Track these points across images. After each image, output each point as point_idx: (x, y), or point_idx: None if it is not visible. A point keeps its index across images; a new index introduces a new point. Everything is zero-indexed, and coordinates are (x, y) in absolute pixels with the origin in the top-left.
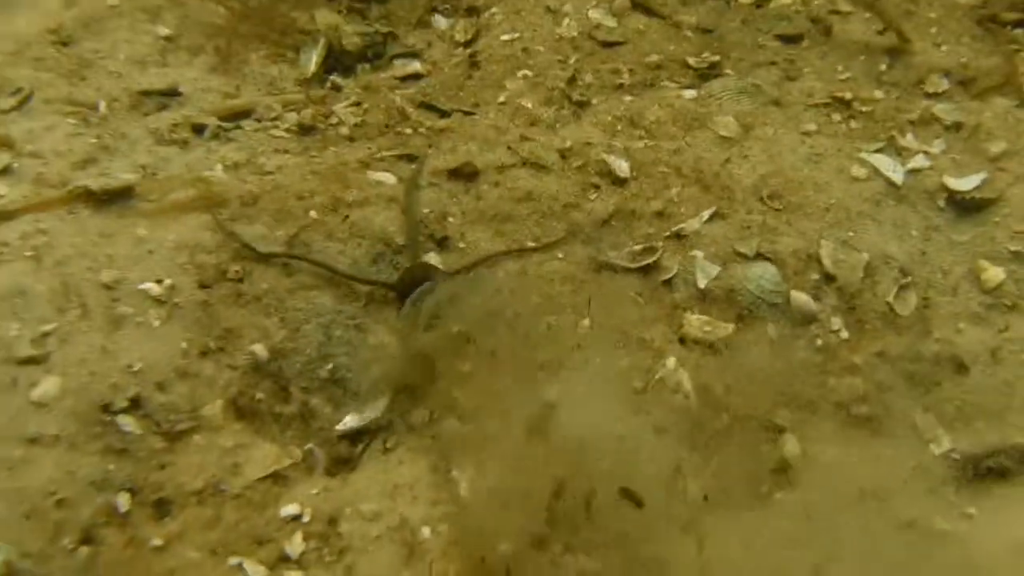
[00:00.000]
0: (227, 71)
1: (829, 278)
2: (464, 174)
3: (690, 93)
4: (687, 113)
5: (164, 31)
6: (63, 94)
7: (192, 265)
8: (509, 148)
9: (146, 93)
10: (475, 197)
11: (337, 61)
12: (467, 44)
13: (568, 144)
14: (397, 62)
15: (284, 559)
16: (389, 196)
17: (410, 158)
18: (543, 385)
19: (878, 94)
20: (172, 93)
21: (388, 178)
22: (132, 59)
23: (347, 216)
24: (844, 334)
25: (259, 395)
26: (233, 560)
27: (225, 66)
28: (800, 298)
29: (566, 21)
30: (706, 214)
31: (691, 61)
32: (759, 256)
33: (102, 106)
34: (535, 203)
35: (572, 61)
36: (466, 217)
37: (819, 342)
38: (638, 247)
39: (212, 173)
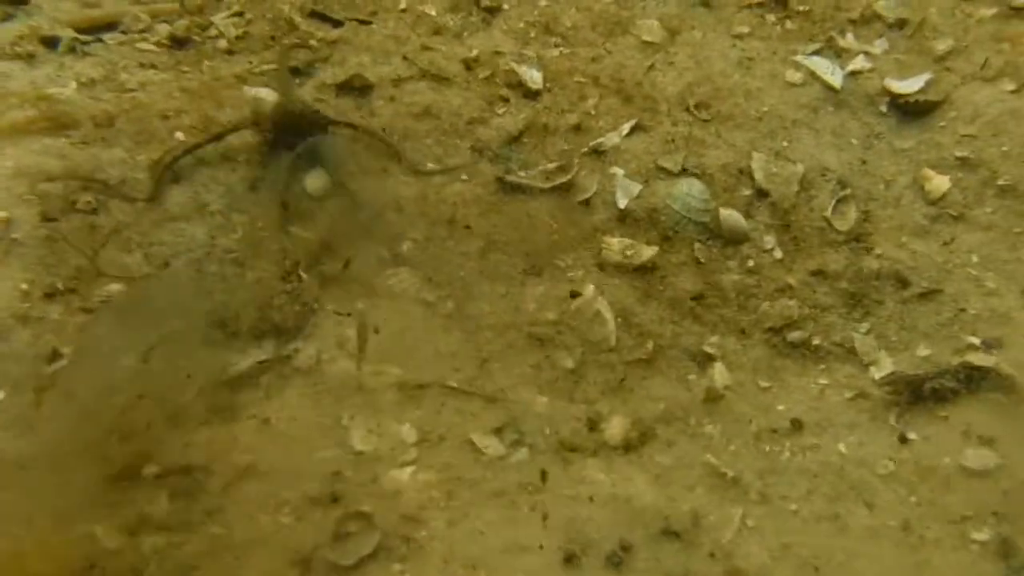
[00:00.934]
0: None
1: (761, 193)
2: (355, 88)
3: None
4: (607, 17)
5: None
6: None
7: (34, 195)
8: (406, 59)
9: None
10: (367, 113)
11: None
12: None
13: (474, 54)
14: None
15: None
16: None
17: (295, 72)
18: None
19: None
20: (19, 1)
21: (268, 94)
22: None
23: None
24: (778, 253)
25: None
26: None
27: None
28: (730, 216)
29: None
30: (626, 127)
31: None
32: (684, 172)
33: None
34: (435, 119)
35: None
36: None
37: (751, 263)
38: (552, 165)
39: (61, 90)
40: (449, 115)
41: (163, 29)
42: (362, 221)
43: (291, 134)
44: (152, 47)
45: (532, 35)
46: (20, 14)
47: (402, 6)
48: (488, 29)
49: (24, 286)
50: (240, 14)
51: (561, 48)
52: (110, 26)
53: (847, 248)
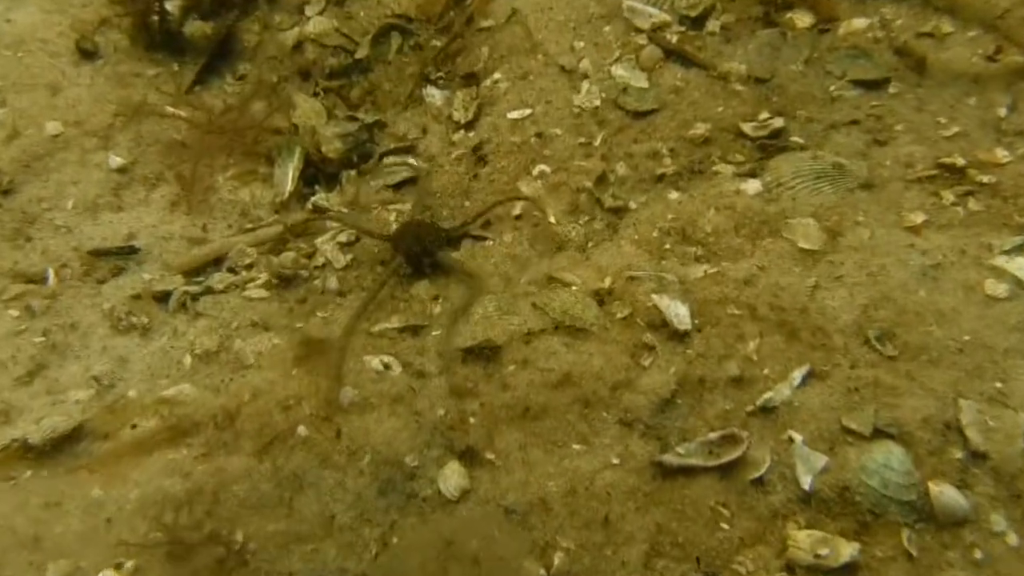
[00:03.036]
0: (191, 204)
1: (977, 455)
2: (483, 354)
3: (752, 186)
4: (752, 215)
5: (117, 160)
6: (7, 265)
7: (160, 528)
8: (535, 306)
9: (99, 253)
10: (500, 385)
11: (318, 170)
12: (468, 125)
13: (607, 283)
14: (389, 160)
15: None
16: (394, 395)
17: (415, 330)
18: None
19: (1002, 154)
20: (129, 251)
21: (393, 364)
22: (82, 204)
23: (341, 430)
24: (1012, 539)
25: None
26: None
27: (189, 198)
28: (942, 492)
29: (585, 86)
30: (798, 374)
31: (747, 129)
32: (877, 433)
33: (51, 277)
34: (575, 388)
35: (598, 143)
36: (490, 416)
37: (978, 554)
38: (715, 435)
39: (178, 390)
40: (591, 380)
41: (268, 262)
42: None
43: None
44: (260, 291)
45: (667, 245)
46: (131, 264)
47: (516, 211)
48: (615, 238)
49: None
50: (345, 242)
51: (705, 264)
52: (217, 262)
53: None
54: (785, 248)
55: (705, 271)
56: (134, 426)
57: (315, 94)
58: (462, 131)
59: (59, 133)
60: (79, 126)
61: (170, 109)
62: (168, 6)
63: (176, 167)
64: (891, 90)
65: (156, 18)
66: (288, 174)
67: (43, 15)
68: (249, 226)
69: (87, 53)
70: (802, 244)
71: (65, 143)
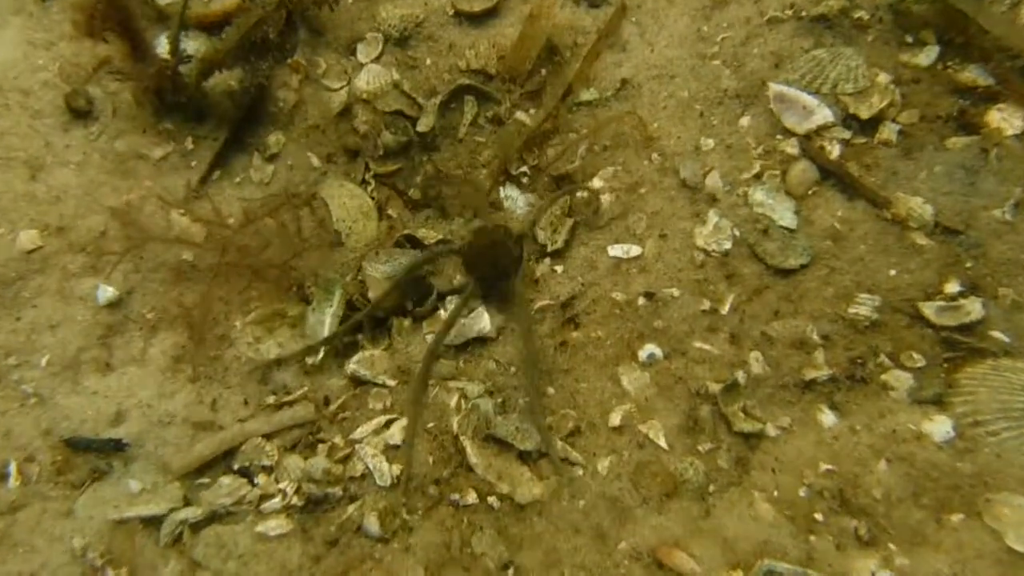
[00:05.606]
0: (198, 365)
1: None
2: None
3: (939, 428)
4: (938, 475)
5: (108, 292)
6: None
7: None
8: None
9: (77, 445)
10: None
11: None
12: (556, 254)
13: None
14: (452, 304)
15: None
16: None
17: None
18: None
19: None
20: (114, 447)
21: None
22: (60, 360)
23: None
24: None
25: None
26: None
27: (196, 356)
28: None
29: (712, 216)
30: None
31: (928, 312)
32: None
33: (12, 474)
34: None
35: (727, 311)
36: None
37: None
38: None
39: None
40: None
41: (293, 466)
42: None
43: None
44: (280, 520)
45: (819, 513)
46: (116, 463)
47: (615, 421)
48: (746, 483)
49: None
50: (388, 448)
51: (872, 554)
52: (228, 455)
53: None
54: (986, 543)
55: (876, 565)
56: None
57: (363, 182)
58: (548, 260)
59: (36, 248)
60: (62, 235)
61: (176, 216)
62: (184, 62)
63: (183, 302)
64: None
65: (167, 84)
66: (325, 323)
67: (26, 49)
68: (271, 400)
69: (79, 113)
70: (1012, 543)
71: (43, 263)
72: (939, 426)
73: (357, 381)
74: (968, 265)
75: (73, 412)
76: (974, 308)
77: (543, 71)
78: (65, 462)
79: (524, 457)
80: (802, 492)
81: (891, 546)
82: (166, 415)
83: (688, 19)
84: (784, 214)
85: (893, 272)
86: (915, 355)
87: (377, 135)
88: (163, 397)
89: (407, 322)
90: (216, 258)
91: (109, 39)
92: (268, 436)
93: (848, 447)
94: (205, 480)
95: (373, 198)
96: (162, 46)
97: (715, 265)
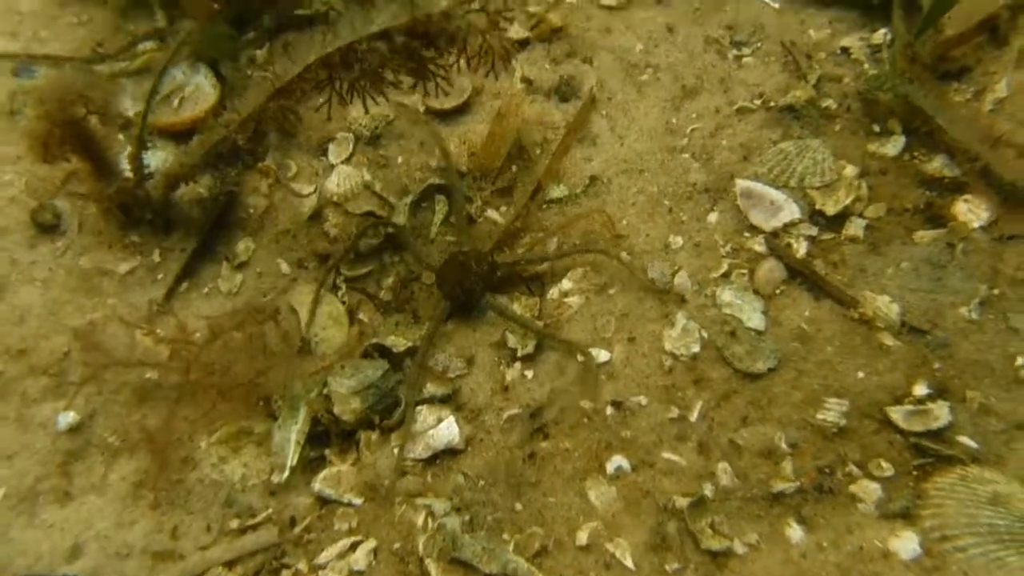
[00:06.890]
0: (159, 490)
1: None
2: None
3: (906, 545)
4: None
5: (69, 418)
6: None
7: None
8: None
9: None
10: None
11: (327, 428)
12: (527, 359)
13: None
14: (421, 415)
15: None
16: None
17: None
18: None
19: None
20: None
21: None
22: (17, 492)
23: None
24: None
25: None
26: None
27: (157, 481)
28: None
29: (680, 319)
30: None
31: (896, 416)
32: None
33: None
34: None
35: (695, 418)
36: None
37: None
38: None
39: None
40: None
41: None
42: None
43: None
44: None
45: None
46: None
47: (582, 539)
48: None
49: None
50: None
51: None
52: None
53: None
54: None
55: None
56: None
57: (334, 287)
58: (518, 365)
59: None
60: (23, 358)
61: (140, 337)
62: (147, 179)
63: (145, 425)
64: None
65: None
66: (291, 442)
67: None
68: (235, 525)
69: (46, 227)
70: None
71: (2, 388)
72: (906, 543)
73: (323, 500)
74: (936, 366)
75: (28, 547)
76: (942, 413)
77: (514, 167)
78: None
79: None
80: None
81: None
82: (124, 546)
83: (658, 111)
84: (752, 315)
85: (861, 374)
86: (883, 463)
87: (348, 236)
88: (122, 527)
89: (375, 435)
90: (181, 377)
91: (70, 159)
92: (230, 564)
93: (815, 566)
94: None
95: (344, 302)
96: (126, 162)
97: (683, 370)
